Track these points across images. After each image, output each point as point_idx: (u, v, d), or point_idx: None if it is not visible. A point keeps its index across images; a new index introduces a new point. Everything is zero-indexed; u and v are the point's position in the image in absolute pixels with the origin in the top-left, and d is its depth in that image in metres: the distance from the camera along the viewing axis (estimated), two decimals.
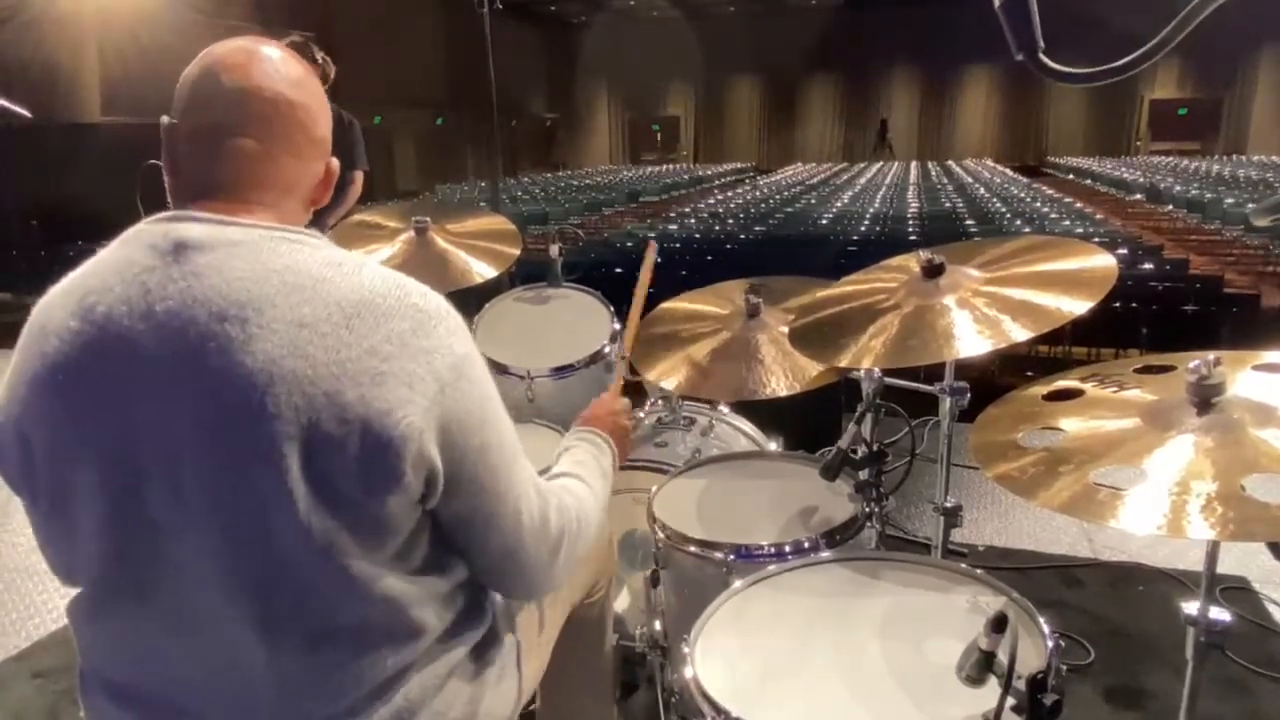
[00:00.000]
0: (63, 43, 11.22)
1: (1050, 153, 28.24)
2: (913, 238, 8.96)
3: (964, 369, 1.82)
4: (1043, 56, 0.97)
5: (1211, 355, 1.16)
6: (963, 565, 1.41)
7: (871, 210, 12.59)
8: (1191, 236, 11.43)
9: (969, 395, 1.83)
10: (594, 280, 2.83)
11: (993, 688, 0.95)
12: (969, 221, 10.36)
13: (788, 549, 1.59)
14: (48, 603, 2.84)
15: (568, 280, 2.75)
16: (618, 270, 6.73)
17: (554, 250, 2.68)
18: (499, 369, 2.43)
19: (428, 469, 0.99)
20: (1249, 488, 1.02)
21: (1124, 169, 20.49)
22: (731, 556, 1.59)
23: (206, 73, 1.03)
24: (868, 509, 1.68)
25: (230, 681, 1.01)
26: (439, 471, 1.00)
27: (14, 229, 9.65)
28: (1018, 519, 3.23)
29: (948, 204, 13.32)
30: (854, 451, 1.61)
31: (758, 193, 17.14)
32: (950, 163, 26.40)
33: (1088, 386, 1.34)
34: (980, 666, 0.96)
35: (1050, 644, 1.15)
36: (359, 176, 3.98)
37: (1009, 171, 22.72)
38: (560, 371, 2.43)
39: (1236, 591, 2.68)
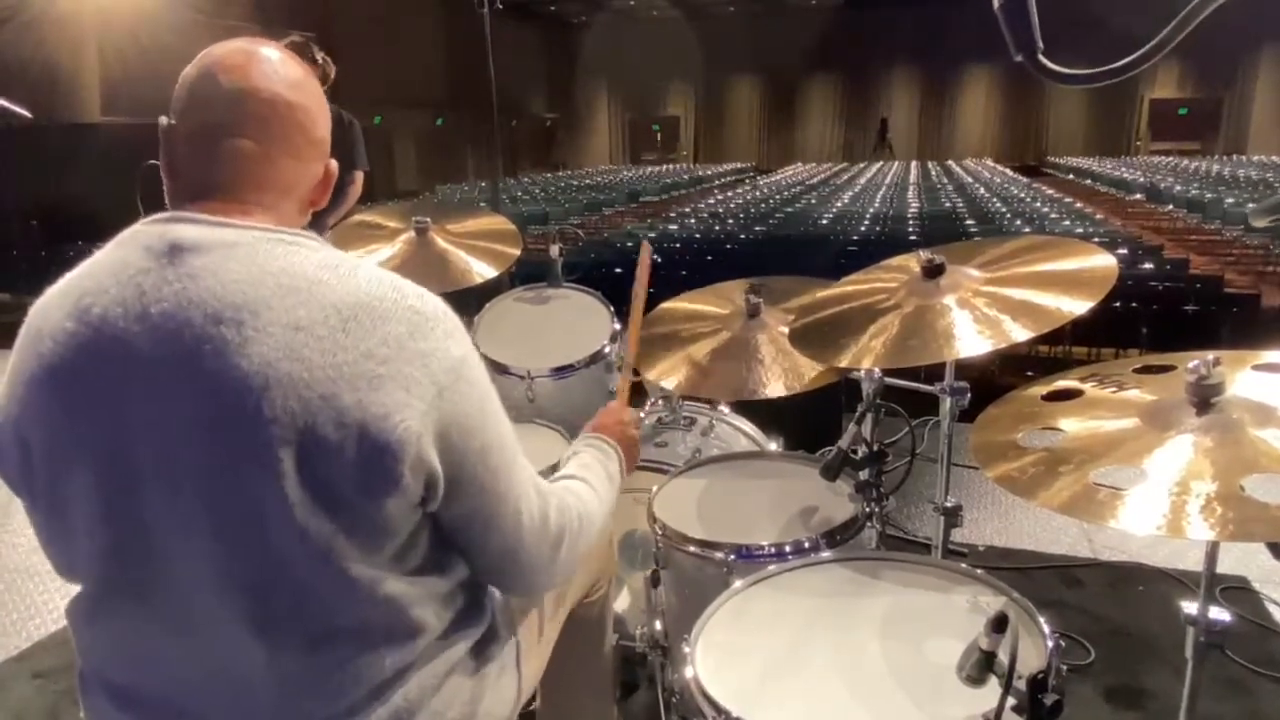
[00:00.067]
0: (63, 43, 11.22)
1: (1050, 152, 28.23)
2: (913, 238, 8.96)
3: (964, 369, 1.82)
4: (1042, 57, 0.97)
5: (1211, 355, 1.16)
6: (963, 565, 1.41)
7: (871, 210, 12.58)
8: (1191, 236, 11.43)
9: (969, 395, 1.83)
10: (594, 280, 2.83)
11: (993, 688, 0.96)
12: (969, 221, 10.35)
13: (788, 549, 1.59)
14: (48, 603, 2.84)
15: (568, 280, 2.75)
16: (618, 270, 6.72)
17: (554, 250, 2.68)
18: (499, 369, 2.43)
19: (427, 472, 0.99)
20: (1248, 488, 1.02)
21: (1124, 169, 20.48)
22: (732, 556, 1.60)
23: (205, 74, 1.03)
24: (868, 509, 1.68)
25: (229, 682, 1.01)
26: (439, 475, 1.00)
27: (14, 229, 9.65)
28: (1018, 519, 3.23)
29: (948, 204, 13.31)
30: (854, 451, 1.61)
31: (758, 193, 17.14)
32: (950, 163, 26.38)
33: (1087, 386, 1.34)
34: (981, 666, 0.96)
35: (1050, 644, 1.15)
36: (359, 177, 3.97)
37: (1009, 171, 22.71)
38: (560, 371, 2.44)
39: (1236, 591, 2.68)
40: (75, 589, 1.07)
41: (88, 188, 8.51)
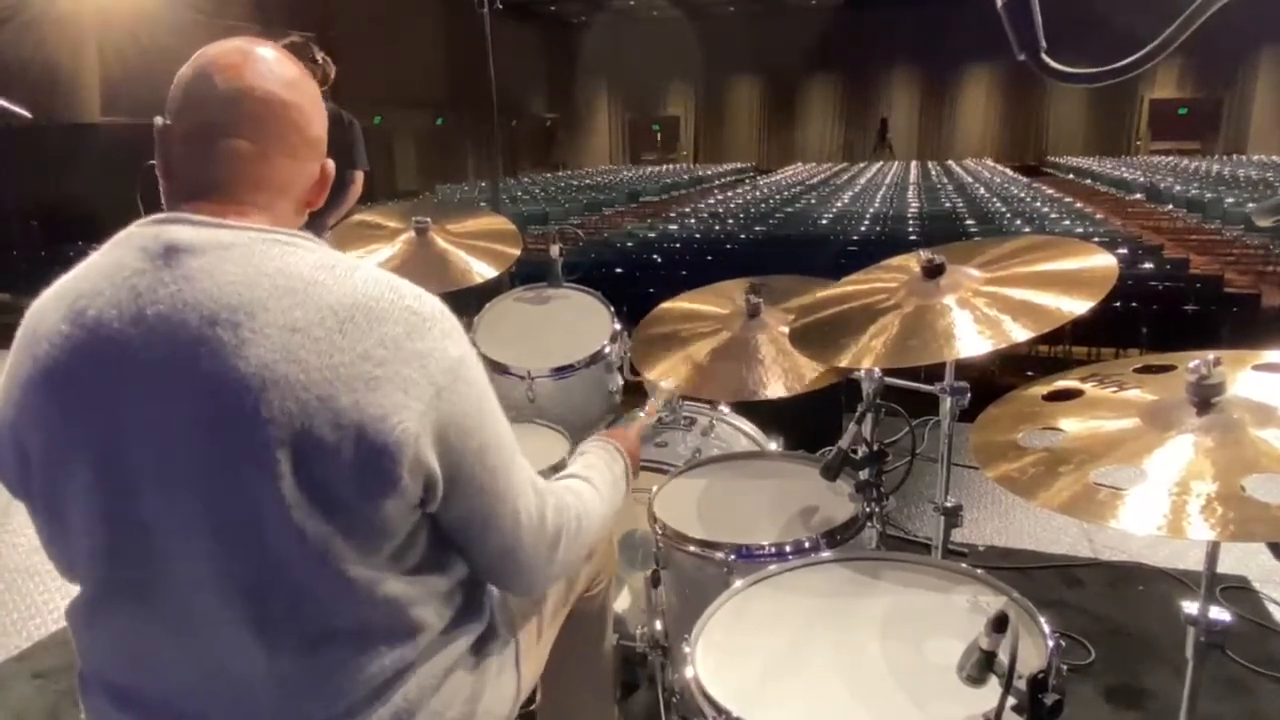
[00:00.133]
0: (63, 43, 11.22)
1: (1050, 152, 28.23)
2: (913, 238, 8.96)
3: (964, 369, 1.82)
4: (1045, 56, 0.97)
5: (1211, 355, 1.16)
6: (963, 565, 1.41)
7: (871, 210, 12.58)
8: (1191, 236, 11.43)
9: (969, 395, 1.83)
10: (594, 280, 2.83)
11: (993, 687, 0.95)
12: (969, 221, 10.36)
13: (788, 549, 1.59)
14: (48, 603, 2.84)
15: (568, 280, 2.75)
16: (618, 270, 6.74)
17: (554, 250, 2.68)
18: (499, 369, 2.43)
19: (425, 473, 0.99)
20: (1249, 488, 1.02)
21: (1124, 169, 20.48)
22: (732, 556, 1.59)
23: (200, 74, 1.03)
24: (868, 509, 1.68)
25: (229, 683, 1.01)
26: (437, 476, 1.00)
27: (14, 229, 9.66)
28: (1018, 519, 3.23)
29: (948, 204, 13.32)
30: (854, 451, 1.61)
31: (758, 193, 17.14)
32: (950, 162, 26.39)
33: (1088, 386, 1.34)
34: (981, 666, 0.96)
35: (1051, 644, 1.15)
36: (359, 176, 3.97)
37: (1009, 171, 22.71)
38: (560, 371, 2.43)
39: (1236, 591, 2.68)
40: (75, 589, 1.07)
41: (88, 188, 8.50)
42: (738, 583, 1.44)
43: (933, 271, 1.69)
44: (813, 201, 14.54)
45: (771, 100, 31.49)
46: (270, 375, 0.92)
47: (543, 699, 1.67)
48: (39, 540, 1.05)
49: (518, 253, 2.50)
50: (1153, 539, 2.87)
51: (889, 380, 1.72)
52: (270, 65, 1.04)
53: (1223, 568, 1.87)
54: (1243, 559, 2.80)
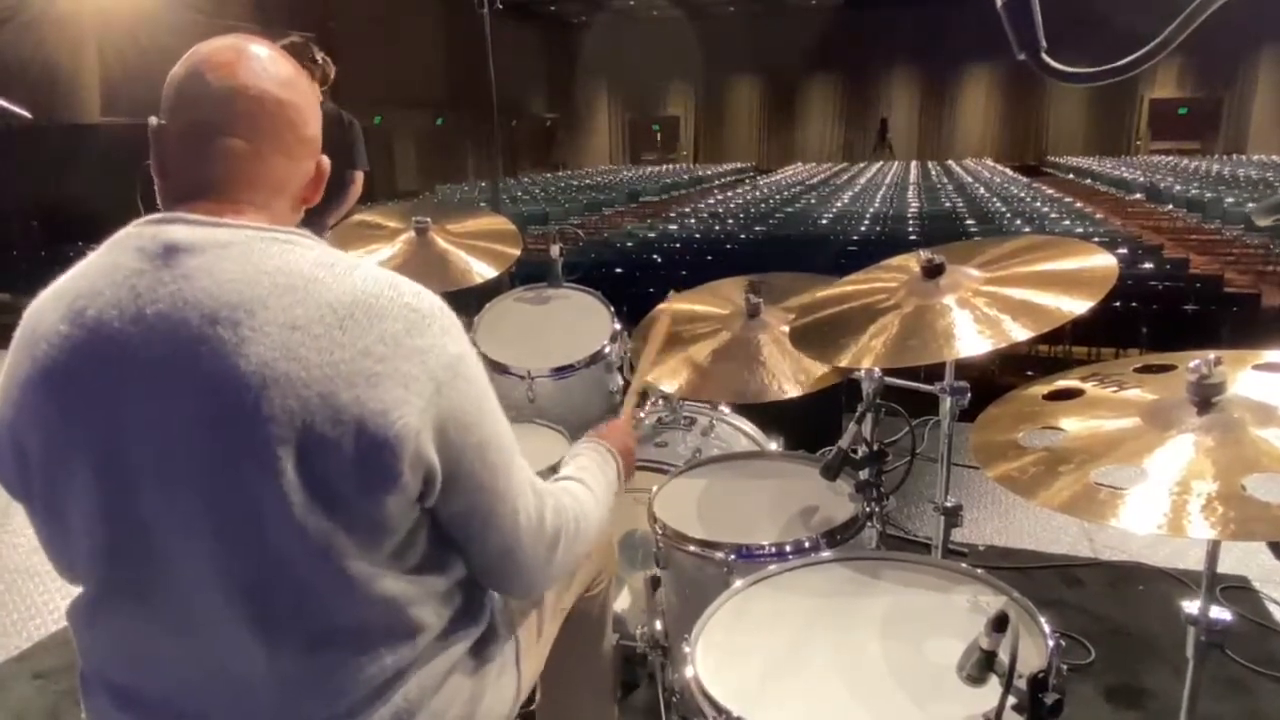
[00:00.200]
0: (63, 43, 11.22)
1: (1050, 152, 28.23)
2: (913, 237, 8.96)
3: (964, 369, 1.82)
4: (1045, 56, 0.97)
5: (1212, 355, 1.16)
6: (963, 565, 1.41)
7: (871, 210, 12.58)
8: (1191, 236, 11.43)
9: (969, 395, 1.83)
10: (594, 280, 2.83)
11: (994, 687, 0.95)
12: (969, 221, 10.36)
13: (788, 549, 1.59)
14: (49, 603, 2.84)
15: (568, 280, 2.75)
16: (618, 270, 6.74)
17: (554, 250, 2.68)
18: (499, 369, 2.43)
19: (425, 468, 0.99)
20: (1249, 487, 1.02)
21: (1124, 168, 20.49)
22: (732, 556, 1.59)
23: (193, 72, 1.03)
24: (868, 509, 1.68)
25: (230, 683, 1.01)
26: (436, 471, 1.00)
27: (14, 229, 9.66)
28: (1018, 519, 3.23)
29: (948, 204, 13.32)
30: (854, 451, 1.61)
31: (758, 193, 17.14)
32: (950, 162, 26.39)
33: (1088, 386, 1.34)
34: (981, 666, 0.96)
35: (1051, 643, 1.15)
36: (359, 176, 3.97)
37: (1009, 171, 22.71)
38: (561, 372, 2.43)
39: (1237, 591, 2.68)
40: (76, 589, 1.07)
41: (88, 188, 8.50)
42: (738, 583, 1.44)
43: (933, 271, 1.69)
44: (813, 201, 14.54)
45: (771, 100, 31.49)
46: (271, 373, 0.92)
47: (542, 699, 1.67)
48: (38, 541, 1.05)
49: (518, 253, 2.50)
50: (1153, 538, 2.88)
51: (889, 380, 1.72)
52: (264, 63, 1.04)
53: (1223, 567, 1.86)
54: (1243, 559, 2.80)
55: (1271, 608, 2.61)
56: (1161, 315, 5.10)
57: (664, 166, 28.64)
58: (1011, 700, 0.95)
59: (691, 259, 7.88)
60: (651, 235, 9.98)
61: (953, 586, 1.37)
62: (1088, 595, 2.73)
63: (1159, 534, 1.02)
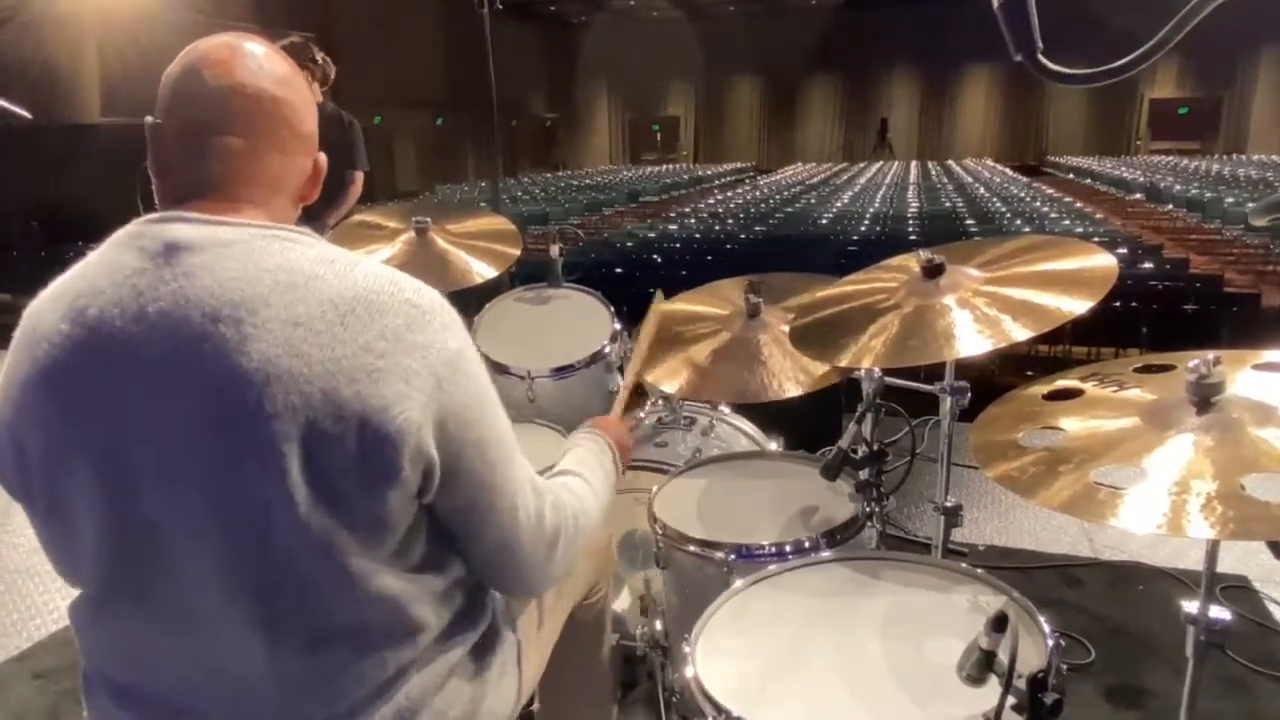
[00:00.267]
0: (63, 43, 11.22)
1: (1050, 152, 28.23)
2: (913, 237, 8.96)
3: (964, 368, 1.82)
4: (1041, 57, 0.97)
5: (1211, 354, 1.16)
6: (963, 565, 1.41)
7: (871, 210, 12.58)
8: (1191, 236, 11.43)
9: (969, 395, 1.83)
10: (594, 280, 2.83)
11: (993, 687, 0.96)
12: (969, 221, 10.36)
13: (788, 549, 1.59)
14: (49, 604, 2.84)
15: (568, 280, 2.75)
16: (618, 270, 6.75)
17: (554, 250, 2.68)
18: (499, 369, 2.43)
19: (425, 462, 0.99)
20: (1249, 487, 1.02)
21: (1124, 168, 20.49)
22: (732, 556, 1.59)
23: (189, 71, 1.03)
24: (868, 509, 1.68)
25: (230, 682, 1.01)
26: (435, 464, 1.00)
27: (14, 229, 9.66)
28: (1018, 518, 3.23)
29: (948, 204, 13.32)
30: (854, 451, 1.61)
31: (758, 193, 17.13)
32: (950, 162, 26.39)
33: (1088, 386, 1.34)
34: (981, 666, 0.96)
35: (1051, 643, 1.15)
36: (359, 177, 3.97)
37: (1009, 171, 22.71)
38: (561, 372, 2.43)
39: (1236, 590, 2.68)
40: (76, 589, 1.07)
41: (88, 188, 8.50)
42: (738, 583, 1.44)
43: (932, 271, 1.69)
44: (813, 201, 14.54)
45: (771, 100, 31.48)
46: (273, 370, 0.92)
47: (541, 702, 1.67)
48: (39, 542, 1.05)
49: (518, 253, 2.50)
50: (1153, 538, 2.88)
51: (889, 380, 1.72)
52: (260, 61, 1.05)
53: (1222, 567, 1.87)
54: (1243, 558, 2.80)
55: (1271, 607, 2.62)
56: (1161, 315, 5.10)
57: (664, 166, 28.64)
58: (1011, 700, 0.95)
59: (691, 259, 7.88)
60: (651, 235, 9.98)
61: (953, 586, 1.37)
62: (1087, 595, 2.73)
63: (1158, 534, 1.02)
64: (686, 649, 1.27)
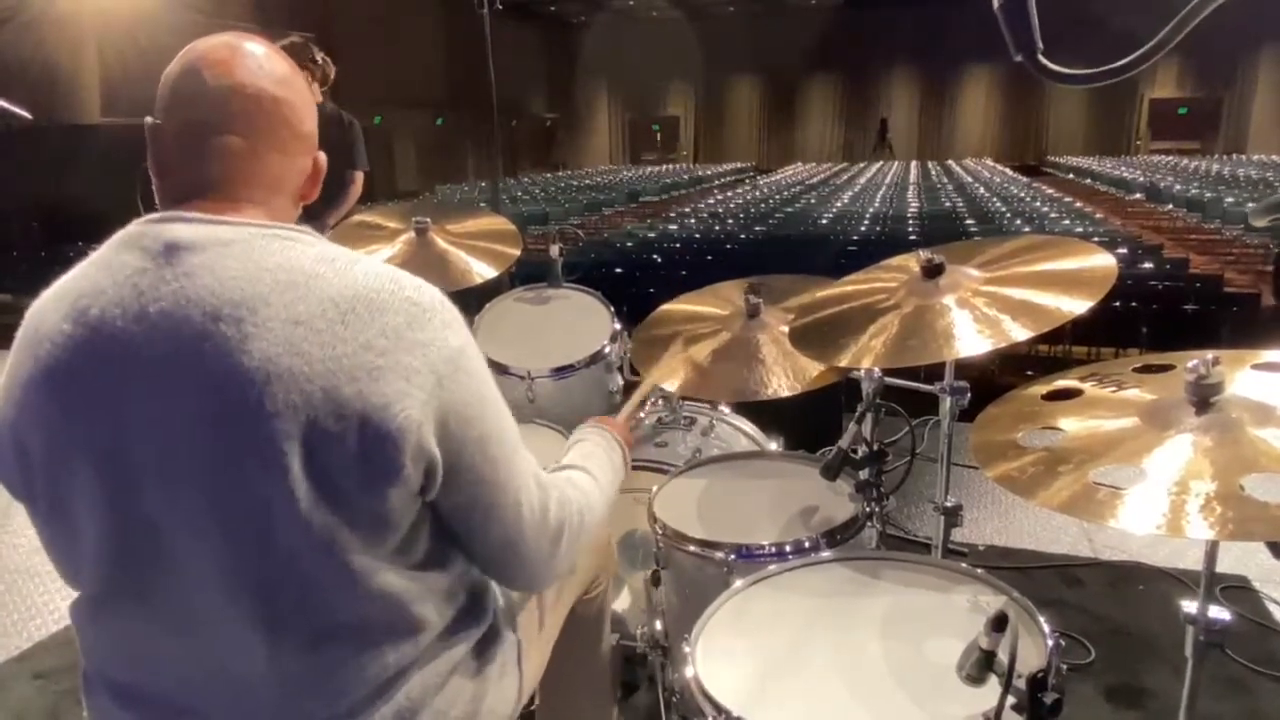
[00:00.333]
0: (63, 43, 11.23)
1: (1050, 152, 28.24)
2: (913, 237, 8.97)
3: (964, 368, 1.82)
4: (1041, 57, 0.97)
5: (1210, 354, 1.16)
6: (963, 565, 1.41)
7: (871, 210, 12.59)
8: (1191, 236, 11.43)
9: (969, 395, 1.83)
10: (594, 280, 2.83)
11: (993, 687, 0.96)
12: (969, 221, 10.36)
13: (788, 549, 1.59)
14: (49, 604, 2.84)
15: (568, 280, 2.75)
16: (618, 270, 6.75)
17: (554, 250, 2.68)
18: (499, 369, 2.43)
19: (427, 460, 0.99)
20: (1248, 487, 1.02)
21: (1124, 168, 20.49)
22: (732, 556, 1.60)
23: (189, 71, 1.03)
24: (868, 508, 1.68)
25: (231, 682, 1.01)
26: (437, 462, 1.00)
27: (14, 230, 9.67)
28: (1018, 518, 3.23)
29: (948, 204, 13.32)
30: (854, 451, 1.61)
31: (758, 193, 17.14)
32: (950, 162, 26.40)
33: (1087, 386, 1.34)
34: (981, 665, 0.96)
35: (1050, 643, 1.16)
36: (359, 177, 3.97)
37: (1009, 171, 22.72)
38: (561, 372, 2.44)
39: (1236, 590, 2.68)
40: (78, 590, 1.07)
41: (88, 188, 8.51)
42: (738, 583, 1.44)
43: (932, 271, 1.69)
44: (813, 201, 14.54)
45: (771, 100, 31.49)
46: (274, 369, 0.92)
47: (541, 700, 1.66)
48: (40, 542, 1.05)
49: (518, 253, 2.50)
50: (1152, 538, 2.88)
51: (889, 380, 1.72)
52: (259, 61, 1.05)
53: (1222, 567, 1.87)
54: (1242, 558, 2.80)
55: (1271, 607, 2.62)
56: (1161, 315, 5.10)
57: (664, 166, 28.65)
58: (1011, 700, 0.96)
59: (691, 259, 7.89)
60: (651, 235, 9.99)
61: (953, 586, 1.37)
62: (1087, 595, 2.73)
63: (1158, 534, 1.02)
64: (686, 649, 1.27)
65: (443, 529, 1.09)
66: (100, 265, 1.00)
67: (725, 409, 2.35)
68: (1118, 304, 5.04)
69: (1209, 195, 12.24)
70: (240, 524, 0.95)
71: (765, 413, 2.33)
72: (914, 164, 25.97)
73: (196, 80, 1.02)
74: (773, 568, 1.47)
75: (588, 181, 21.12)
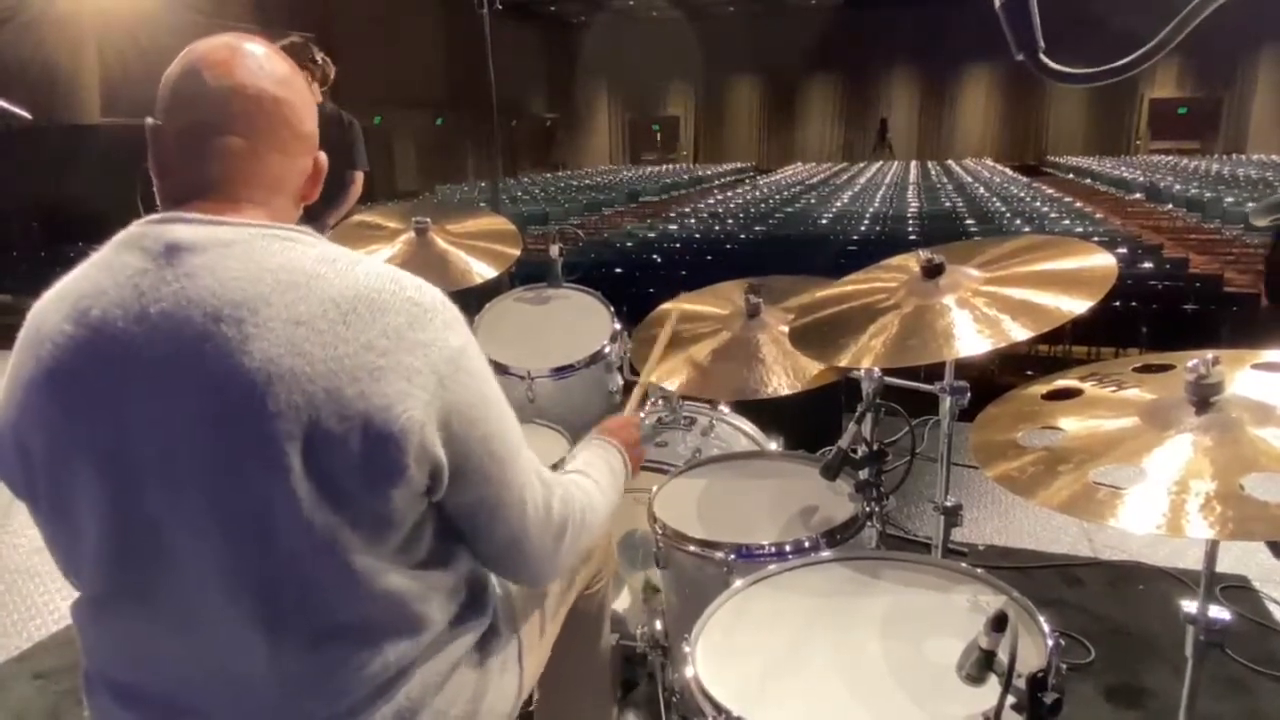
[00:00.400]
0: (63, 43, 11.23)
1: (1050, 152, 28.24)
2: (912, 237, 8.96)
3: (964, 368, 1.82)
4: (1043, 57, 0.97)
5: (1210, 354, 1.16)
6: (963, 564, 1.41)
7: (871, 210, 12.59)
8: (1191, 235, 11.42)
9: (969, 394, 1.83)
10: (594, 280, 2.83)
11: (993, 686, 0.96)
12: (969, 221, 10.36)
13: (788, 548, 1.59)
14: (49, 604, 2.84)
15: (568, 280, 2.75)
16: (618, 270, 6.75)
17: (554, 250, 2.68)
18: (499, 369, 2.43)
19: (431, 462, 0.99)
20: (1248, 486, 1.02)
21: (1124, 168, 20.49)
22: (732, 556, 1.60)
23: (189, 71, 1.03)
24: (868, 508, 1.68)
25: (230, 681, 1.01)
26: (443, 464, 1.00)
27: (14, 230, 9.67)
28: (1018, 518, 3.23)
29: (947, 203, 13.32)
30: (854, 451, 1.61)
31: (758, 193, 17.14)
32: (950, 162, 26.40)
33: (1087, 386, 1.34)
34: (980, 665, 0.96)
35: (1050, 643, 1.15)
36: (359, 177, 3.97)
37: (1009, 171, 22.72)
38: (560, 372, 2.44)
39: (1236, 590, 2.68)
40: (77, 589, 1.07)
41: (88, 189, 8.51)
42: (738, 582, 1.44)
43: (932, 271, 1.69)
44: (812, 201, 14.54)
45: (771, 100, 31.49)
46: (276, 369, 0.92)
47: (541, 699, 1.67)
48: (43, 542, 1.05)
49: (518, 253, 2.50)
50: (1152, 538, 2.88)
51: (889, 380, 1.72)
52: (260, 61, 1.05)
53: (1222, 567, 1.87)
54: (1242, 558, 2.80)
55: (1271, 607, 2.62)
56: (1161, 315, 5.10)
57: (664, 166, 28.64)
58: (1011, 699, 0.96)
59: (691, 259, 7.89)
60: (651, 235, 9.99)
61: (952, 586, 1.37)
62: (1087, 595, 2.73)
63: (1158, 534, 1.02)
64: (686, 649, 1.27)
65: (446, 528, 1.09)
66: (101, 266, 1.00)
67: (725, 409, 2.35)
68: (1118, 304, 5.04)
69: (1209, 195, 12.24)
70: (241, 524, 0.95)
71: (765, 413, 2.33)
72: (914, 164, 25.97)
73: (197, 81, 1.02)
74: (773, 567, 1.47)
75: (588, 181, 21.12)
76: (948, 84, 29.49)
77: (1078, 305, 1.49)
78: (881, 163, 27.14)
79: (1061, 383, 1.37)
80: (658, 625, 1.73)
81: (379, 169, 15.32)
